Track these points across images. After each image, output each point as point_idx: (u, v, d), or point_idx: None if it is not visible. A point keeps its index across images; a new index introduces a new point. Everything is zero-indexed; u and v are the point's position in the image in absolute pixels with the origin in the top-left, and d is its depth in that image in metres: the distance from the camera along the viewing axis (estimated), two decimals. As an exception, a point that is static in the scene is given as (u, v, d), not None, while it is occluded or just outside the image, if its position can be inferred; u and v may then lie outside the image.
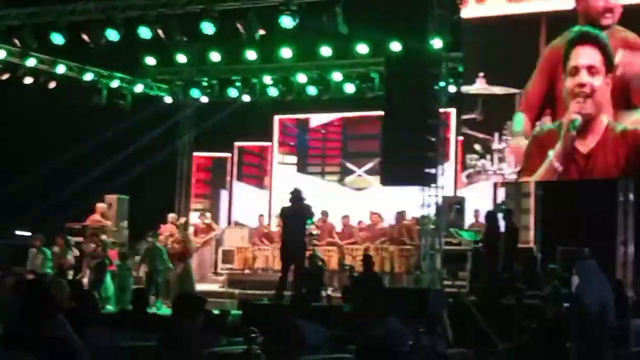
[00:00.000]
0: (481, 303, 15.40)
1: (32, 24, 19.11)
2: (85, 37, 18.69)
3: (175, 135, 25.22)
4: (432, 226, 16.36)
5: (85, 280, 18.65)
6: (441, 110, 16.45)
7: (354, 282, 15.88)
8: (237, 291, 19.69)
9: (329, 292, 16.67)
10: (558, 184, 17.98)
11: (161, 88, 24.53)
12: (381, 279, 16.18)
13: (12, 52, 20.66)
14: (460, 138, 18.85)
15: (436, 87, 16.33)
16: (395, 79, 16.62)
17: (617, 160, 15.54)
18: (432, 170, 16.04)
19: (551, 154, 15.91)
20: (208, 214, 23.46)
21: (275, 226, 21.91)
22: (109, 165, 22.47)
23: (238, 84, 23.41)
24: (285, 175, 24.16)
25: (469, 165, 16.63)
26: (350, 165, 23.94)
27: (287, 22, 17.24)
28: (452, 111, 19.77)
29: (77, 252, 19.79)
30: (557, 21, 16.08)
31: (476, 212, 19.58)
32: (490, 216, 18.00)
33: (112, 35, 18.40)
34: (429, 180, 16.08)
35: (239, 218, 24.40)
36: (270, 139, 24.59)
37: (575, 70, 15.63)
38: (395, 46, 18.47)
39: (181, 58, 22.78)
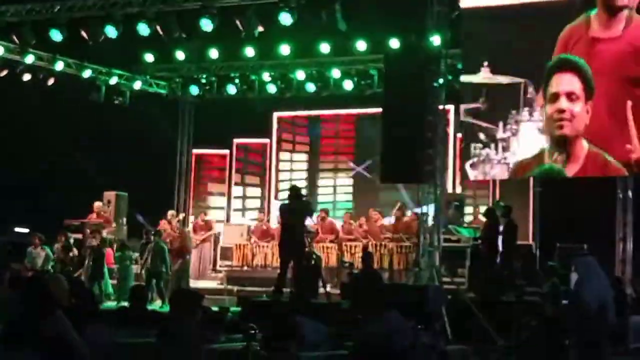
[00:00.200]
0: (480, 300, 15.40)
1: (31, 20, 19.08)
2: (84, 33, 18.66)
3: (174, 132, 25.23)
4: (430, 223, 16.33)
5: (83, 278, 18.67)
6: (440, 107, 16.41)
7: (353, 279, 15.88)
8: (236, 288, 19.69)
9: (328, 288, 16.66)
10: (557, 181, 17.98)
11: (160, 85, 24.52)
12: (381, 276, 16.17)
13: (10, 49, 20.63)
14: (460, 135, 18.84)
15: (435, 84, 16.30)
16: (394, 76, 16.59)
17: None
18: (431, 167, 16.01)
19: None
20: (208, 212, 23.49)
21: (274, 223, 21.91)
22: (107, 162, 22.45)
23: (237, 80, 23.39)
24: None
25: (474, 154, 16.61)
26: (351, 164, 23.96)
27: (285, 18, 17.23)
28: (451, 108, 19.77)
29: (75, 252, 19.80)
30: (568, 6, 15.96)
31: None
32: (489, 213, 18.02)
33: (111, 31, 18.37)
34: (428, 177, 16.06)
35: (238, 215, 24.42)
36: (269, 136, 24.59)
37: (555, 97, 15.72)
38: (394, 43, 18.45)
39: (180, 55, 22.75)
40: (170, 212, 22.03)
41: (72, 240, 19.99)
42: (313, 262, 16.85)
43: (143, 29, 18.31)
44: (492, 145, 16.49)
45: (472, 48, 17.09)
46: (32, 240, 19.56)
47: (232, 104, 23.66)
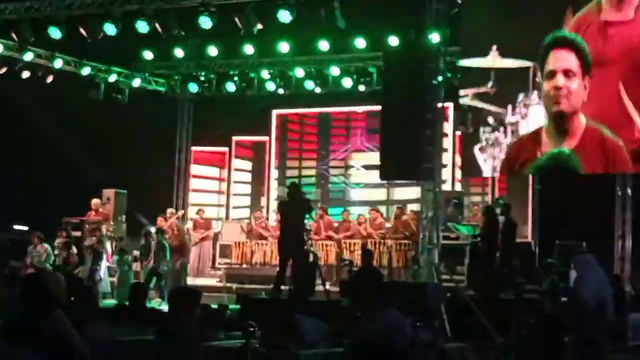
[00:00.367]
0: (479, 297, 15.41)
1: (30, 17, 19.07)
2: (82, 31, 18.65)
3: (173, 130, 25.22)
4: (430, 220, 16.33)
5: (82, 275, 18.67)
6: (439, 104, 16.41)
7: (352, 277, 15.88)
8: (235, 286, 19.70)
9: (328, 286, 16.66)
10: (557, 178, 17.99)
11: (159, 82, 24.51)
12: (381, 274, 16.16)
13: (9, 46, 20.61)
14: (459, 133, 18.84)
15: (434, 82, 16.30)
16: (393, 74, 16.59)
17: (599, 160, 15.53)
18: (430, 165, 16.01)
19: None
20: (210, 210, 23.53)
21: (273, 220, 21.90)
22: (106, 159, 22.44)
23: (236, 78, 23.38)
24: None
25: (483, 139, 16.55)
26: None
27: (284, 16, 17.22)
28: (450, 105, 19.77)
29: (74, 249, 19.79)
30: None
31: None
32: (488, 211, 18.02)
33: (110, 29, 18.36)
34: (427, 175, 16.06)
35: (237, 212, 24.44)
36: (267, 134, 24.58)
37: (552, 74, 15.65)
38: (393, 40, 18.43)
39: (179, 52, 22.73)
40: (170, 210, 22.01)
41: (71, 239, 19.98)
42: (311, 259, 16.85)
43: (142, 27, 18.30)
44: (501, 129, 16.41)
45: (480, 31, 16.99)
46: (32, 239, 19.54)
47: (231, 101, 23.65)
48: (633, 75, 15.25)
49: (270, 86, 23.18)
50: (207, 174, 25.24)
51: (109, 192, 22.41)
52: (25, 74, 21.45)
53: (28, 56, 21.01)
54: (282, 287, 15.07)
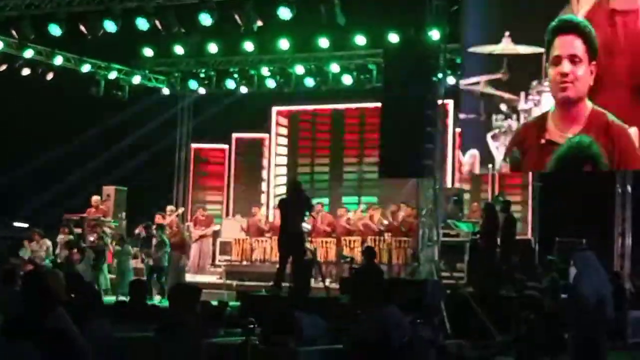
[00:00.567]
0: (479, 294, 15.41)
1: (30, 15, 19.06)
2: (83, 28, 18.65)
3: (173, 127, 25.22)
4: (429, 217, 16.34)
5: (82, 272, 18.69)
6: (439, 101, 16.41)
7: (354, 274, 15.88)
8: (235, 283, 19.70)
9: (327, 283, 16.66)
10: (556, 175, 17.97)
11: (159, 79, 24.51)
12: (381, 271, 16.13)
13: (9, 44, 20.62)
14: (458, 130, 18.83)
15: (434, 79, 16.30)
16: (393, 71, 16.59)
17: (605, 149, 15.44)
18: (430, 162, 16.01)
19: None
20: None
21: (272, 217, 21.89)
22: (107, 156, 22.45)
23: (236, 75, 23.38)
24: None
25: (495, 126, 16.49)
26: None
27: (284, 13, 17.21)
28: (450, 102, 19.77)
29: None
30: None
31: None
32: (488, 208, 18.01)
33: (110, 26, 18.36)
34: (427, 172, 16.07)
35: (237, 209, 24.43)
36: (267, 131, 24.57)
37: (558, 60, 15.55)
38: (393, 37, 18.44)
39: (179, 49, 22.75)
40: (170, 208, 22.01)
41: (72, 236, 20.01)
42: (311, 257, 16.85)
43: (142, 24, 18.31)
44: (514, 116, 16.35)
45: (493, 18, 16.92)
46: (32, 236, 19.57)
47: (231, 98, 23.65)
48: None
49: (270, 83, 23.18)
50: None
51: (109, 189, 22.42)
52: (26, 71, 21.47)
53: (28, 53, 21.03)
54: (282, 284, 15.06)
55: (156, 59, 23.57)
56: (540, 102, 16.11)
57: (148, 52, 22.89)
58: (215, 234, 22.58)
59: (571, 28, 15.52)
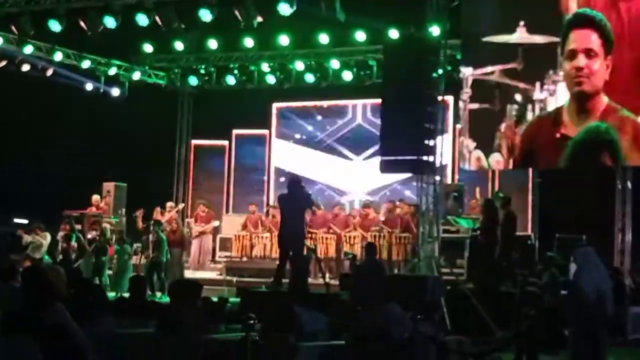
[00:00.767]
0: (479, 290, 15.42)
1: (30, 11, 19.03)
2: (82, 24, 18.63)
3: (173, 123, 25.22)
4: (430, 213, 16.34)
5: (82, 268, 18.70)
6: (439, 97, 16.39)
7: (355, 270, 15.88)
8: (235, 279, 19.72)
9: (327, 279, 16.66)
10: (556, 172, 17.96)
11: (159, 75, 24.49)
12: (384, 268, 16.11)
13: (9, 40, 20.60)
14: (459, 126, 18.82)
15: (434, 75, 16.28)
16: (394, 67, 16.56)
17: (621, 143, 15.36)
18: (431, 158, 16.00)
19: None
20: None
21: (268, 214, 21.85)
22: (107, 152, 22.44)
23: (236, 71, 23.37)
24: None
25: (510, 116, 16.44)
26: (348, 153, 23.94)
27: (284, 9, 17.20)
28: (451, 98, 19.75)
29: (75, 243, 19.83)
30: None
31: None
32: (488, 204, 18.00)
33: (110, 22, 18.35)
34: (427, 168, 16.05)
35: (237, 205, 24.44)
36: (268, 127, 24.58)
37: (573, 54, 15.47)
38: (393, 33, 18.42)
39: (179, 45, 22.73)
40: (169, 204, 22.01)
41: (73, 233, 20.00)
42: (312, 254, 16.86)
43: (142, 20, 18.29)
44: (529, 106, 16.28)
45: (508, 7, 16.84)
46: (35, 231, 19.57)
47: (231, 94, 23.65)
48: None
49: (270, 79, 23.17)
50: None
51: (108, 186, 22.43)
52: (25, 67, 21.46)
53: (28, 49, 21.01)
54: (282, 280, 15.06)
55: (156, 55, 23.56)
56: (556, 91, 16.01)
57: (148, 48, 22.89)
58: (216, 230, 22.57)
59: (587, 22, 15.42)
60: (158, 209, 21.23)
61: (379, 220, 20.25)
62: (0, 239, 20.17)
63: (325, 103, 24.10)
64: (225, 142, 24.96)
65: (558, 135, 15.87)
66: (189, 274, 20.57)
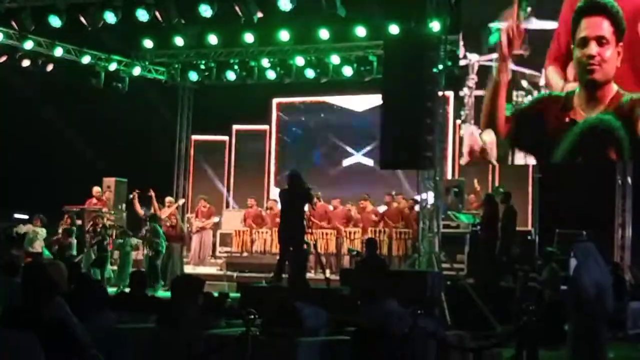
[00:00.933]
0: (479, 286, 15.43)
1: (30, 6, 19.03)
2: (83, 19, 18.63)
3: (174, 118, 25.23)
4: (430, 209, 16.34)
5: (83, 263, 18.72)
6: (440, 93, 16.39)
7: (357, 265, 15.89)
8: (235, 274, 19.74)
9: (328, 274, 16.69)
10: (556, 167, 17.95)
11: (159, 71, 24.48)
12: (385, 264, 16.12)
13: (9, 35, 20.60)
14: (458, 121, 18.82)
15: (435, 70, 16.28)
16: (394, 62, 16.55)
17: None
18: (431, 154, 16.00)
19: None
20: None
21: (267, 209, 21.86)
22: (107, 148, 22.44)
23: (236, 66, 23.36)
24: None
25: (516, 102, 16.39)
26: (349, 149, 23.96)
27: (285, 4, 17.20)
28: (451, 94, 19.74)
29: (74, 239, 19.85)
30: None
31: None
32: (489, 199, 18.03)
33: (110, 17, 18.35)
34: (427, 163, 16.06)
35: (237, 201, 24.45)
36: (268, 122, 24.58)
37: (584, 41, 15.33)
38: (394, 29, 18.41)
39: (179, 41, 22.73)
40: (168, 199, 21.98)
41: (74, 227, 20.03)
42: (312, 250, 16.88)
43: (142, 15, 18.29)
44: (535, 93, 16.24)
45: None
46: (34, 222, 19.59)
47: (231, 90, 23.65)
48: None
49: (271, 75, 23.16)
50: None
51: (109, 181, 22.43)
52: (26, 63, 21.45)
53: (28, 45, 21.01)
54: (283, 275, 15.08)
55: (156, 50, 23.54)
56: None
57: (148, 43, 22.87)
58: (216, 226, 22.58)
59: (598, 9, 15.30)
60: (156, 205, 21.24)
61: (379, 213, 20.27)
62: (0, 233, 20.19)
63: (325, 99, 24.09)
64: (226, 138, 24.97)
65: (567, 119, 15.75)
66: (189, 269, 20.58)
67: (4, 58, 21.06)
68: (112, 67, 23.10)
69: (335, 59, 22.28)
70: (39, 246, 19.37)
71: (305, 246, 15.49)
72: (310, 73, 22.73)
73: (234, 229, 21.84)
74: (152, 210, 20.24)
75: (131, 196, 20.98)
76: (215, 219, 22.46)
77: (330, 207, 20.94)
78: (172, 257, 19.59)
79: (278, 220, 16.38)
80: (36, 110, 21.79)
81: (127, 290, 12.71)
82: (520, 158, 16.89)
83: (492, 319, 13.87)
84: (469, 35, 17.46)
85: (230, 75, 23.43)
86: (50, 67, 21.84)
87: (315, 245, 17.80)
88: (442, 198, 17.18)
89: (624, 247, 19.21)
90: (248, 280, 17.77)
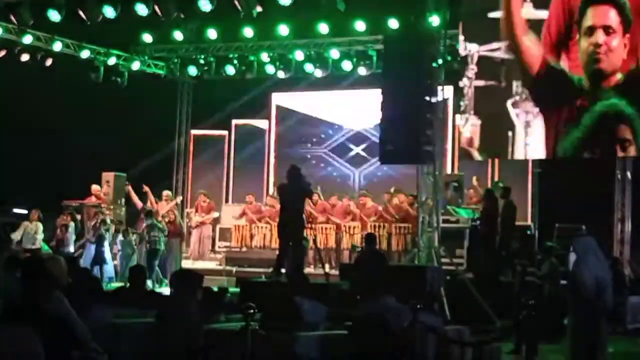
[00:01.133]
0: (479, 280, 15.43)
1: (29, 0, 19.02)
2: (82, 14, 18.62)
3: (173, 113, 25.21)
4: (429, 203, 16.34)
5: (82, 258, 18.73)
6: (439, 87, 16.37)
7: (356, 260, 15.89)
8: (234, 269, 19.74)
9: (327, 269, 16.69)
10: (556, 161, 17.95)
11: (158, 65, 24.46)
12: (385, 259, 16.12)
13: (8, 29, 20.58)
14: (458, 116, 18.80)
15: (434, 65, 16.26)
16: (393, 57, 16.53)
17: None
18: (430, 148, 15.99)
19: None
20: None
21: (266, 205, 21.85)
22: (106, 142, 22.42)
23: (235, 61, 23.33)
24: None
25: (515, 93, 16.33)
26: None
27: (284, -2, 17.19)
28: (450, 89, 19.72)
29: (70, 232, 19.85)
30: None
31: None
32: (488, 194, 18.02)
33: (109, 12, 18.35)
34: (427, 158, 16.05)
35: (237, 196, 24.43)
36: (267, 117, 24.56)
37: (591, 30, 15.25)
38: (393, 23, 18.42)
39: (178, 35, 22.68)
40: (166, 193, 21.94)
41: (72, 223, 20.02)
42: (312, 245, 16.87)
43: (141, 9, 18.28)
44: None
45: None
46: (32, 216, 19.59)
47: (230, 84, 23.63)
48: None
49: (270, 69, 23.13)
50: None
51: (108, 176, 22.41)
52: (25, 57, 21.44)
53: (27, 39, 20.98)
54: (282, 270, 15.08)
55: (155, 45, 23.51)
56: None
57: (147, 37, 22.84)
58: (215, 221, 22.57)
59: None
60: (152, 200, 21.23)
61: (378, 210, 20.25)
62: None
63: (325, 93, 24.06)
64: (225, 132, 24.95)
65: (578, 103, 15.66)
66: (188, 264, 20.58)
67: (3, 52, 21.06)
68: (111, 61, 23.07)
69: (334, 54, 22.25)
70: (37, 241, 19.36)
71: (310, 240, 15.51)
72: (309, 67, 22.70)
73: (234, 223, 21.82)
74: (148, 204, 20.25)
75: (126, 190, 20.99)
76: (215, 214, 22.45)
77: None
78: (171, 252, 19.58)
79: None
80: (35, 105, 21.74)
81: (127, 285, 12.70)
82: (520, 153, 16.89)
83: (491, 313, 13.87)
84: (469, 26, 17.40)
85: (230, 70, 23.40)
86: (49, 62, 21.82)
87: (314, 240, 17.80)
88: (441, 193, 17.17)
89: (624, 241, 19.21)
90: (247, 275, 17.79)
